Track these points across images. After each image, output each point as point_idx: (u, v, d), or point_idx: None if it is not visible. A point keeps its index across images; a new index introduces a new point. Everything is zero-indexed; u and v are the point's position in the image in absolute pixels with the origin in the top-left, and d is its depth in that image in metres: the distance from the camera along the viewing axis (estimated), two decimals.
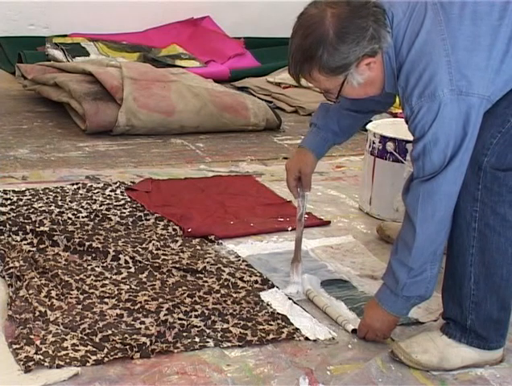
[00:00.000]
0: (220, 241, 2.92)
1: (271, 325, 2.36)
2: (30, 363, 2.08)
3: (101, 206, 3.15)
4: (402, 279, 2.19)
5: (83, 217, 3.03)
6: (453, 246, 2.19)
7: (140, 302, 2.42)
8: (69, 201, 3.17)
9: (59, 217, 3.00)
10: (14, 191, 3.24)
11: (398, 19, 2.10)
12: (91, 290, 2.48)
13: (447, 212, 2.13)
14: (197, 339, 2.27)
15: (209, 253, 2.81)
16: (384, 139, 3.13)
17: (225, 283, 2.59)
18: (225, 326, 2.34)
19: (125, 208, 3.15)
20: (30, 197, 3.19)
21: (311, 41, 2.06)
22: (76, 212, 3.07)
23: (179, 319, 2.34)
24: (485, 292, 2.15)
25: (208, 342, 2.26)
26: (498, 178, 2.08)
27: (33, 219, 2.94)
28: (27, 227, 2.85)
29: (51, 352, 2.13)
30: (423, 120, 2.06)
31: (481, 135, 2.09)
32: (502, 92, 2.10)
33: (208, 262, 2.72)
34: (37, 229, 2.85)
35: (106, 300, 2.43)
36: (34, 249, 2.74)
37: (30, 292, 2.41)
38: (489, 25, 2.05)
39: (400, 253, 2.19)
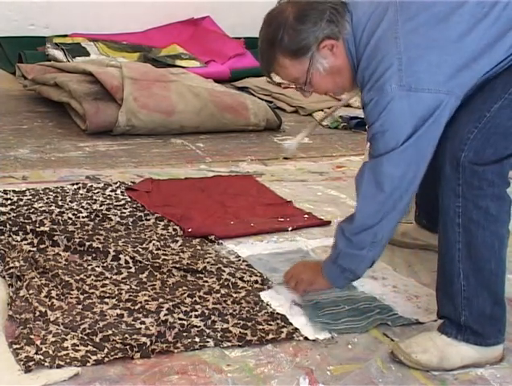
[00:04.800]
0: (220, 241, 2.92)
1: (271, 325, 2.36)
2: (31, 363, 2.08)
3: (101, 206, 3.15)
4: (339, 246, 2.33)
5: (83, 217, 3.03)
6: (441, 243, 2.22)
7: (140, 302, 2.43)
8: (69, 201, 3.17)
9: (60, 217, 3.00)
10: (14, 191, 3.24)
11: (357, 17, 2.22)
12: (91, 290, 2.49)
13: (389, 197, 2.21)
14: (197, 339, 2.27)
15: (209, 253, 2.81)
16: None
17: (225, 283, 2.59)
18: (225, 326, 2.34)
19: (126, 208, 3.15)
20: (30, 197, 3.19)
21: (273, 28, 2.25)
22: (76, 212, 3.07)
23: (180, 319, 2.34)
24: (475, 287, 2.16)
25: (208, 342, 2.26)
26: (477, 173, 2.10)
27: (33, 219, 2.95)
28: (28, 227, 2.85)
29: (51, 352, 2.13)
30: (372, 111, 2.17)
31: (458, 131, 2.13)
32: (469, 86, 2.15)
33: (208, 262, 2.72)
34: (37, 229, 2.85)
35: (106, 300, 2.44)
36: (34, 249, 2.74)
37: (31, 292, 2.41)
38: (445, 22, 2.13)
39: (345, 223, 2.33)
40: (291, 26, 2.20)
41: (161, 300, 2.44)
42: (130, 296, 2.46)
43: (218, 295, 2.51)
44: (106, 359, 2.14)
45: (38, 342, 2.17)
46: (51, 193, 3.25)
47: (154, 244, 2.84)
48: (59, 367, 2.09)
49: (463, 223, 2.14)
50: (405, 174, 2.19)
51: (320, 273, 2.42)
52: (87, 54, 5.48)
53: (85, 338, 2.22)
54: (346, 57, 2.24)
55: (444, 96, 2.11)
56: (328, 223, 3.17)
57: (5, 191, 3.22)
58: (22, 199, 3.16)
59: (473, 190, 2.11)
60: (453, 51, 2.12)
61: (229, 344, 2.26)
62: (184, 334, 2.29)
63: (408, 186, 2.21)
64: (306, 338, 2.31)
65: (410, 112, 2.12)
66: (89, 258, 2.71)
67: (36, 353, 2.12)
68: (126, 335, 2.23)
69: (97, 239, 2.81)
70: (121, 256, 2.70)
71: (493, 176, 2.10)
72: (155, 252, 2.79)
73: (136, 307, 2.40)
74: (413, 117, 2.13)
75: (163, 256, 2.75)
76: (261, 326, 2.34)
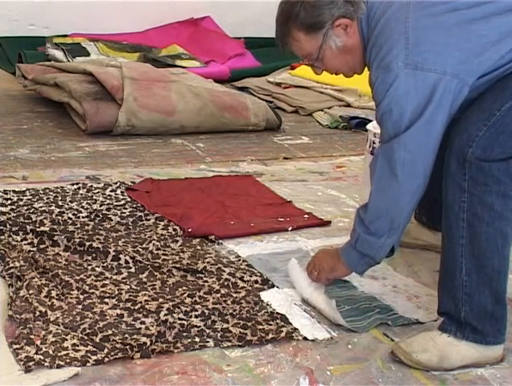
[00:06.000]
0: (220, 241, 2.92)
1: (270, 325, 2.36)
2: (31, 363, 2.08)
3: (101, 206, 3.15)
4: (358, 232, 2.32)
5: (83, 217, 3.03)
6: (444, 238, 2.22)
7: (140, 302, 2.43)
8: (69, 201, 3.17)
9: (60, 217, 3.00)
10: (14, 191, 3.24)
11: (372, 0, 2.27)
12: (91, 290, 2.49)
13: (402, 182, 2.21)
14: (197, 339, 2.27)
15: (209, 253, 2.81)
16: None
17: (225, 283, 2.59)
18: (225, 325, 2.34)
19: (126, 208, 3.15)
20: (30, 197, 3.19)
21: (291, 3, 2.30)
22: (76, 212, 3.07)
23: (180, 319, 2.34)
24: (477, 283, 2.16)
25: (208, 342, 2.26)
26: (483, 169, 2.11)
27: (33, 219, 2.95)
28: (28, 227, 2.85)
29: (51, 352, 2.13)
30: (379, 89, 2.20)
31: (467, 128, 2.14)
32: (477, 74, 2.16)
33: (208, 262, 2.72)
34: (37, 229, 2.85)
35: (106, 300, 2.44)
36: (34, 249, 2.74)
37: (31, 292, 2.41)
38: (454, 8, 2.17)
39: (363, 209, 2.33)
40: (308, 1, 2.26)
41: (161, 300, 2.44)
42: (130, 296, 2.46)
43: (218, 295, 2.51)
44: (106, 359, 2.14)
45: (38, 342, 2.17)
46: (51, 193, 3.25)
47: (154, 244, 2.84)
48: (59, 367, 2.09)
49: (467, 218, 2.14)
50: (416, 158, 2.19)
51: (340, 259, 2.41)
52: (87, 54, 5.48)
53: (85, 338, 2.22)
54: (359, 37, 2.29)
55: (450, 78, 2.13)
56: (328, 223, 3.17)
57: (5, 191, 3.22)
58: (22, 199, 3.15)
59: (479, 186, 2.12)
60: (462, 34, 2.15)
61: (229, 344, 2.26)
62: (184, 334, 2.29)
63: (421, 171, 2.21)
64: (305, 338, 2.31)
65: (416, 91, 2.14)
66: (89, 258, 2.71)
67: (36, 353, 2.12)
68: (126, 335, 2.23)
69: (97, 239, 2.81)
70: (121, 256, 2.70)
71: (499, 173, 2.11)
72: (155, 252, 2.79)
73: (136, 307, 2.40)
74: (418, 96, 2.14)
75: (163, 256, 2.75)
76: (261, 326, 2.34)
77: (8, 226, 2.86)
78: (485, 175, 2.11)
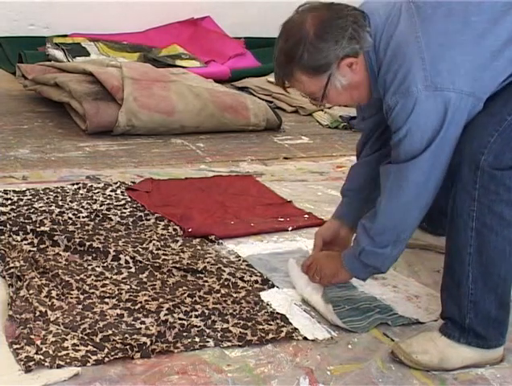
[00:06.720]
0: (220, 241, 2.92)
1: (270, 325, 2.36)
2: (31, 363, 2.08)
3: (101, 206, 3.15)
4: (362, 244, 2.31)
5: (83, 217, 3.03)
6: (451, 245, 2.20)
7: (140, 302, 2.43)
8: (70, 201, 3.17)
9: (60, 217, 3.00)
10: (14, 191, 3.24)
11: (375, 24, 2.18)
12: (91, 290, 2.49)
13: (413, 200, 2.21)
14: (197, 339, 2.27)
15: (210, 253, 2.81)
16: None
17: (226, 283, 2.59)
18: (225, 325, 2.34)
19: (126, 208, 3.15)
20: (30, 197, 3.19)
21: (293, 42, 2.16)
22: (76, 212, 3.07)
23: (180, 319, 2.34)
24: (483, 291, 2.15)
25: (208, 341, 2.26)
26: (495, 177, 2.09)
27: (33, 219, 2.95)
28: (28, 227, 2.85)
29: (51, 352, 2.13)
30: (399, 115, 2.14)
31: (478, 134, 2.11)
32: (491, 89, 2.13)
33: (208, 262, 2.72)
34: (37, 229, 2.85)
35: (107, 300, 2.44)
36: (34, 249, 2.74)
37: (31, 292, 2.41)
38: (464, 22, 2.12)
39: (367, 221, 2.30)
40: (311, 42, 2.13)
41: (161, 300, 2.44)
42: (130, 296, 2.46)
43: (218, 295, 2.51)
44: (106, 359, 2.14)
45: (38, 342, 2.17)
46: (51, 193, 3.25)
47: (154, 244, 2.84)
48: (59, 367, 2.09)
49: (476, 227, 2.12)
50: (428, 178, 2.18)
51: (342, 265, 2.40)
52: (87, 54, 5.48)
53: (85, 338, 2.22)
54: (365, 71, 2.20)
55: (466, 96, 2.10)
56: None
57: (5, 191, 3.22)
58: (22, 199, 3.16)
59: (489, 195, 2.10)
60: (473, 50, 2.11)
61: (229, 344, 2.26)
62: (184, 334, 2.29)
63: (432, 189, 2.20)
64: (305, 338, 2.31)
65: (436, 112, 2.10)
66: (89, 258, 2.71)
67: (36, 353, 2.12)
68: (126, 335, 2.23)
69: (97, 239, 2.81)
70: (121, 256, 2.70)
71: (510, 182, 2.09)
72: (155, 252, 2.79)
73: (136, 307, 2.40)
74: (437, 117, 2.11)
75: (163, 256, 2.75)
76: (261, 326, 2.35)
77: (8, 226, 2.86)
78: (497, 184, 2.09)
